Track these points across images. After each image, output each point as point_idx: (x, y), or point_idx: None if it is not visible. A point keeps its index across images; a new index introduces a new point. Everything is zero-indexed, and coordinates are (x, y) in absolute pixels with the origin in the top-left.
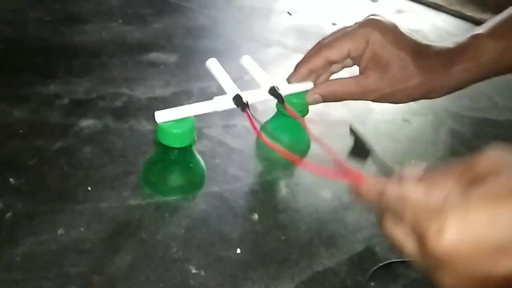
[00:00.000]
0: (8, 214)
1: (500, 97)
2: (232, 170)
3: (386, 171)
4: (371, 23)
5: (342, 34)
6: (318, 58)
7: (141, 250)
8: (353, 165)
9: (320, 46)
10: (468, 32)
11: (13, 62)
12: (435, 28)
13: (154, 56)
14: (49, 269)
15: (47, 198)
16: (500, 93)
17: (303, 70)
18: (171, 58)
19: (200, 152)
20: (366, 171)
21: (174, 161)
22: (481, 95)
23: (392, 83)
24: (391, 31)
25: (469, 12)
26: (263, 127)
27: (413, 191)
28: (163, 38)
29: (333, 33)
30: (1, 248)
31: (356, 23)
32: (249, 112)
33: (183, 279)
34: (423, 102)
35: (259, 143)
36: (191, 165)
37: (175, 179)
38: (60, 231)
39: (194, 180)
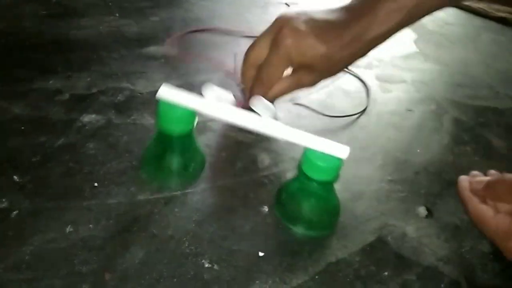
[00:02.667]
0: (14, 213)
1: (501, 86)
2: (239, 162)
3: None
4: (276, 27)
5: (257, 43)
6: (249, 69)
7: (153, 245)
8: None
9: (246, 59)
10: (465, 21)
11: (10, 58)
12: (434, 18)
13: (153, 49)
14: (59, 267)
15: (53, 195)
16: (501, 82)
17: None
18: (170, 51)
19: (206, 145)
20: None
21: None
22: (483, 84)
23: (323, 71)
24: (296, 30)
25: (466, 2)
26: (283, 189)
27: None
28: (162, 31)
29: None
30: (9, 247)
31: (267, 30)
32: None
33: (196, 274)
34: (425, 92)
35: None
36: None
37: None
38: (68, 229)
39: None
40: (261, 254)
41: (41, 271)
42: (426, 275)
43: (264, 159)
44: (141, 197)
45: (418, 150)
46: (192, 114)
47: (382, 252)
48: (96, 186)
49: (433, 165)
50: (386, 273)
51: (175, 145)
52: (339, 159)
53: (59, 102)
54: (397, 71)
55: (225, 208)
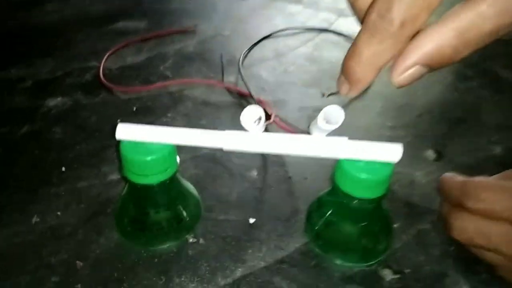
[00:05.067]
0: None
1: None
2: (221, 128)
3: None
4: None
5: None
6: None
7: None
8: None
9: None
10: None
11: None
12: None
13: (122, 25)
14: (26, 262)
15: (18, 188)
16: None
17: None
18: (141, 24)
19: (185, 115)
20: None
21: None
22: None
23: None
24: None
25: None
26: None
27: None
28: (130, 5)
29: None
30: None
31: None
32: None
33: (180, 251)
34: None
35: None
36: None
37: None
38: (34, 219)
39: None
40: (251, 220)
41: (7, 268)
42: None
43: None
44: (114, 177)
45: (419, 92)
46: (172, 151)
47: (390, 203)
48: (64, 171)
49: (436, 105)
50: (397, 225)
51: (158, 197)
52: (390, 166)
53: (21, 90)
54: None
55: (209, 177)
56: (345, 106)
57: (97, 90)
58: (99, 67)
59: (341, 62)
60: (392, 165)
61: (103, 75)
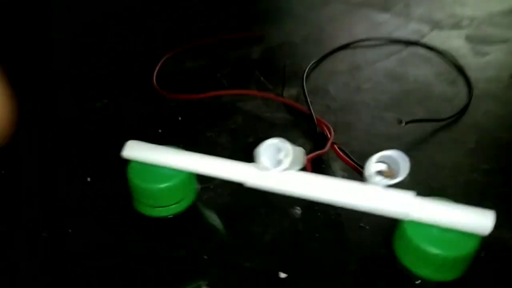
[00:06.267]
0: None
1: None
2: None
3: None
4: None
5: None
6: None
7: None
8: None
9: None
10: None
11: None
12: None
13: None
14: None
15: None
16: None
17: None
18: (208, 25)
19: (232, 131)
20: None
21: None
22: None
23: None
24: None
25: None
26: None
27: None
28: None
29: None
30: None
31: None
32: None
33: None
34: None
35: None
36: None
37: None
38: None
39: None
40: (282, 275)
41: None
42: None
43: (306, 143)
44: None
45: None
46: (186, 179)
47: (476, 275)
48: (89, 181)
49: None
50: None
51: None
52: (474, 240)
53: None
54: (495, 29)
55: (241, 209)
56: (427, 138)
57: (147, 94)
58: (154, 69)
59: (430, 81)
60: (478, 239)
61: (156, 78)
